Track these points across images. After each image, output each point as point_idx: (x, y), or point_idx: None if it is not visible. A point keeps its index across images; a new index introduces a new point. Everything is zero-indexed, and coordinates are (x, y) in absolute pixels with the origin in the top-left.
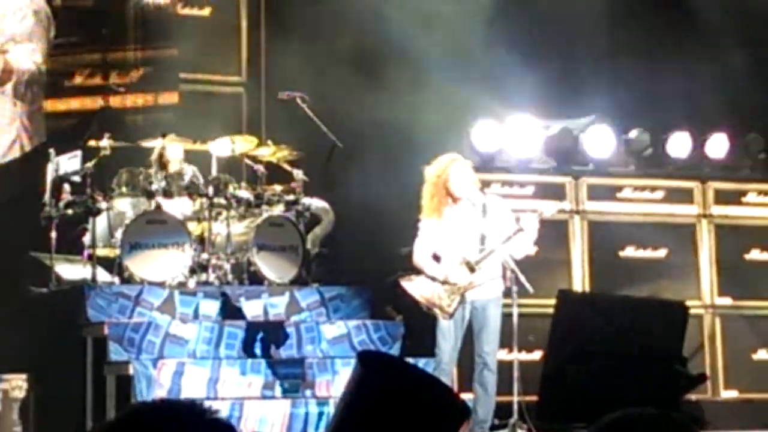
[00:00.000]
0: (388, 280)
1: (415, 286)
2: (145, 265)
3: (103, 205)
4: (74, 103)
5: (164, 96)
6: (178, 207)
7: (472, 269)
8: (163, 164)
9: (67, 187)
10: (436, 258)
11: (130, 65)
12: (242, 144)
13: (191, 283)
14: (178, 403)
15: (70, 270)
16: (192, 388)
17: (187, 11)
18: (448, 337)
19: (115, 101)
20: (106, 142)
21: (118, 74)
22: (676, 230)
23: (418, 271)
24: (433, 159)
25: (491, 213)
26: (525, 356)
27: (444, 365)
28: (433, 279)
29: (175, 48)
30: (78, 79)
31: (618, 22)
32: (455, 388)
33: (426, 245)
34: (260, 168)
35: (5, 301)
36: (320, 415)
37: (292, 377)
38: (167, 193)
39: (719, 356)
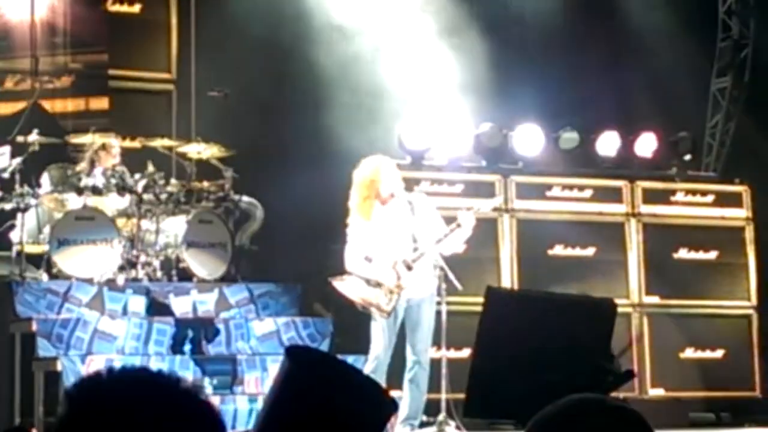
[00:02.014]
0: (320, 277)
1: (348, 286)
2: (73, 261)
3: (31, 201)
4: (1, 108)
5: (94, 101)
6: (108, 203)
7: (409, 267)
8: (92, 161)
9: None
10: (369, 260)
11: (60, 70)
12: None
13: (120, 280)
14: (138, 370)
15: None
16: None
17: (117, 8)
18: (383, 336)
19: (45, 104)
20: (34, 138)
21: (47, 79)
22: (604, 229)
23: (348, 271)
24: (360, 159)
25: (419, 211)
26: (453, 354)
27: (379, 363)
28: (368, 281)
29: (105, 52)
30: (9, 84)
31: (547, 23)
32: (385, 384)
33: (357, 248)
34: (190, 165)
35: None
36: (250, 411)
37: (221, 374)
38: (96, 190)
39: (647, 354)
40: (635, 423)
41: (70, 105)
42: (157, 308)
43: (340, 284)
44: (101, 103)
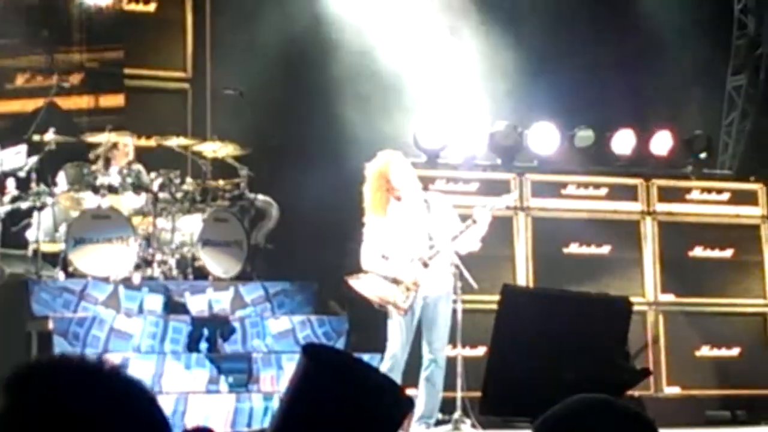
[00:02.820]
0: (335, 275)
1: (365, 285)
2: (89, 259)
3: (48, 200)
4: (17, 105)
5: (110, 98)
6: (123, 202)
7: (425, 265)
8: (108, 159)
9: (11, 182)
10: (385, 258)
11: (75, 67)
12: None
13: (136, 278)
14: (75, 358)
15: (15, 264)
16: None
17: (132, 7)
18: (400, 333)
19: (60, 101)
20: (51, 137)
21: (62, 76)
22: (619, 227)
23: (365, 270)
24: (375, 156)
25: (435, 209)
26: (469, 352)
27: (396, 361)
28: (385, 278)
29: (120, 49)
30: (20, 81)
31: (563, 21)
32: (401, 383)
33: (374, 246)
34: (205, 163)
35: None
36: (265, 409)
37: (237, 372)
38: (112, 188)
39: (662, 353)
40: (642, 426)
41: (86, 103)
42: (173, 306)
43: (357, 283)
44: (116, 102)
